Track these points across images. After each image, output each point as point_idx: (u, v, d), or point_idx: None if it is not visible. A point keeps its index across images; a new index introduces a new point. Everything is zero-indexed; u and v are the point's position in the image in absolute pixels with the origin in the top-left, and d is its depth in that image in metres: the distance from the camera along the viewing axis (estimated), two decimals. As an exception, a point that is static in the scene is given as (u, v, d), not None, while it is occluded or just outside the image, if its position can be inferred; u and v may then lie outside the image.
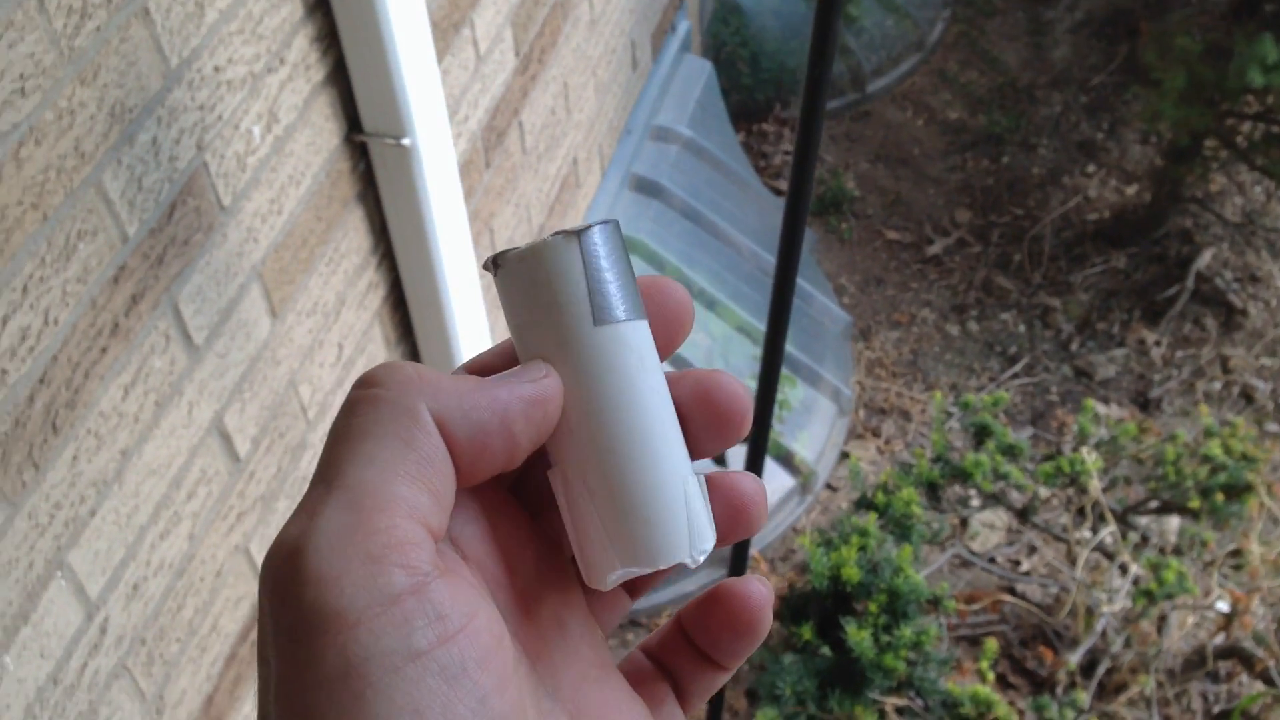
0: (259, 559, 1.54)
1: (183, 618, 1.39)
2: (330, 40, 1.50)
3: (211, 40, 1.27)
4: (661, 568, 0.38)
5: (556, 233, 0.39)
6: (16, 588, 1.12)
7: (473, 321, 1.86)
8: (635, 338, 0.39)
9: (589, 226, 0.39)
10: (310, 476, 1.65)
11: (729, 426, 0.39)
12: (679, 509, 0.38)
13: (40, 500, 1.13)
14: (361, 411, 0.35)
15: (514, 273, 0.39)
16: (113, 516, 1.24)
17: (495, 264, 0.39)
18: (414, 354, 1.89)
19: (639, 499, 0.38)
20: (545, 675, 0.37)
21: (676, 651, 0.41)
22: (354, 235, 1.65)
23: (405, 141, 1.59)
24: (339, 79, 1.54)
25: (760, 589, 0.39)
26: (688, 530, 0.38)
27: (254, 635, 1.55)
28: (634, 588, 0.42)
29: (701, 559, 0.39)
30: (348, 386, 1.68)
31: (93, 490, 1.21)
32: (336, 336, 1.65)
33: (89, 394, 1.18)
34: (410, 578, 0.31)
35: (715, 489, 0.40)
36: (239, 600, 1.51)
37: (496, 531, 0.38)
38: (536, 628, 0.38)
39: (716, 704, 1.88)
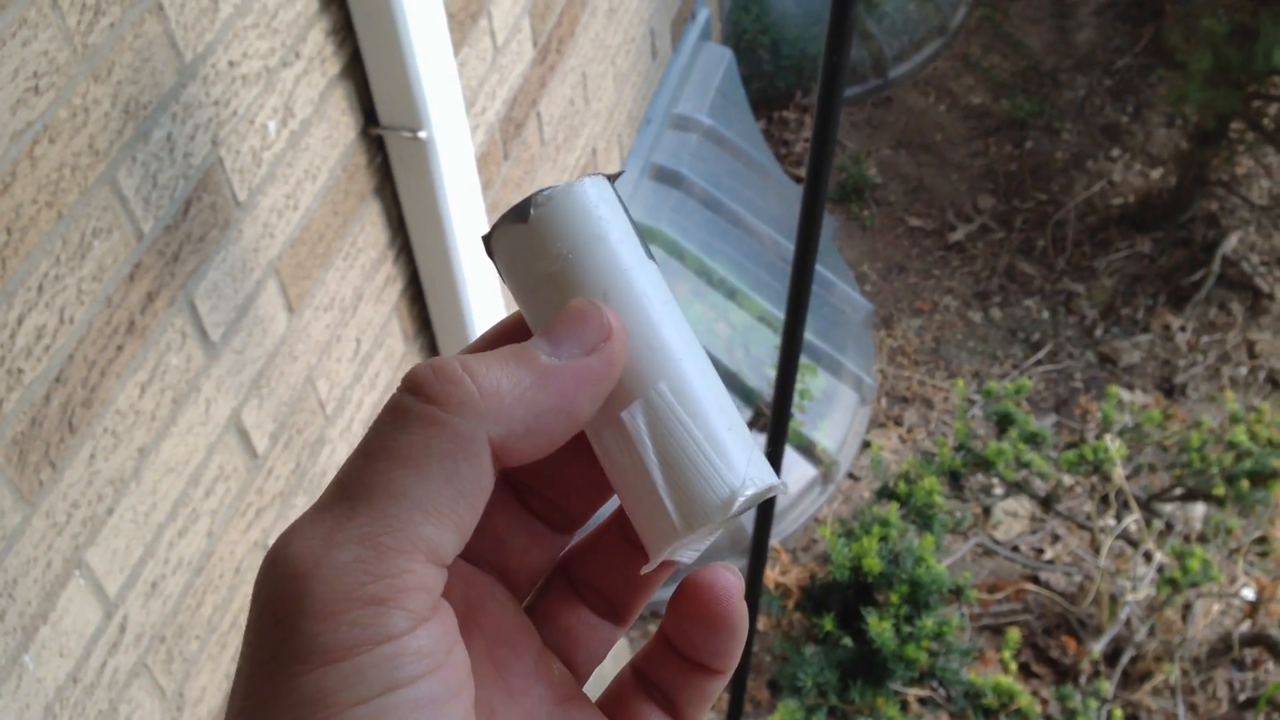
0: (279, 554, 1.54)
1: (202, 615, 1.39)
2: (346, 33, 1.50)
3: (226, 35, 1.27)
4: (774, 484, 0.36)
5: (583, 177, 0.37)
6: (35, 587, 1.12)
7: (491, 314, 1.86)
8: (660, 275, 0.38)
9: (598, 175, 0.37)
10: (329, 473, 1.64)
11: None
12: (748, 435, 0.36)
13: (58, 499, 1.13)
14: (412, 429, 0.31)
15: (556, 211, 0.36)
16: (130, 515, 1.24)
17: (527, 207, 0.36)
18: (432, 347, 1.89)
19: (733, 418, 0.36)
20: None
21: (663, 663, 0.39)
22: (371, 229, 1.65)
23: (422, 134, 1.58)
24: (355, 72, 1.53)
25: (726, 577, 0.36)
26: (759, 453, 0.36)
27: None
28: (622, 615, 0.40)
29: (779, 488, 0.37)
30: (365, 381, 1.67)
31: (110, 489, 1.21)
32: (354, 331, 1.64)
33: (106, 392, 1.18)
34: (408, 621, 0.30)
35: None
36: (259, 595, 1.51)
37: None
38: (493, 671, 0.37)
39: (738, 696, 1.87)
